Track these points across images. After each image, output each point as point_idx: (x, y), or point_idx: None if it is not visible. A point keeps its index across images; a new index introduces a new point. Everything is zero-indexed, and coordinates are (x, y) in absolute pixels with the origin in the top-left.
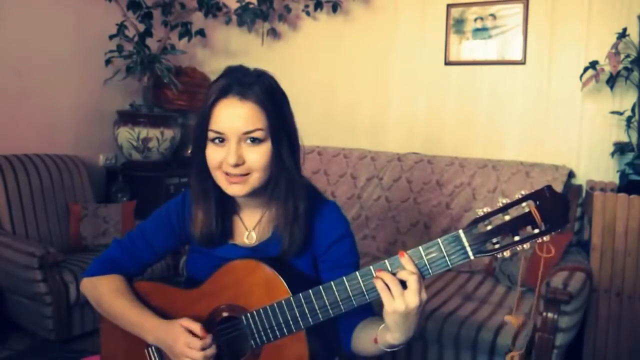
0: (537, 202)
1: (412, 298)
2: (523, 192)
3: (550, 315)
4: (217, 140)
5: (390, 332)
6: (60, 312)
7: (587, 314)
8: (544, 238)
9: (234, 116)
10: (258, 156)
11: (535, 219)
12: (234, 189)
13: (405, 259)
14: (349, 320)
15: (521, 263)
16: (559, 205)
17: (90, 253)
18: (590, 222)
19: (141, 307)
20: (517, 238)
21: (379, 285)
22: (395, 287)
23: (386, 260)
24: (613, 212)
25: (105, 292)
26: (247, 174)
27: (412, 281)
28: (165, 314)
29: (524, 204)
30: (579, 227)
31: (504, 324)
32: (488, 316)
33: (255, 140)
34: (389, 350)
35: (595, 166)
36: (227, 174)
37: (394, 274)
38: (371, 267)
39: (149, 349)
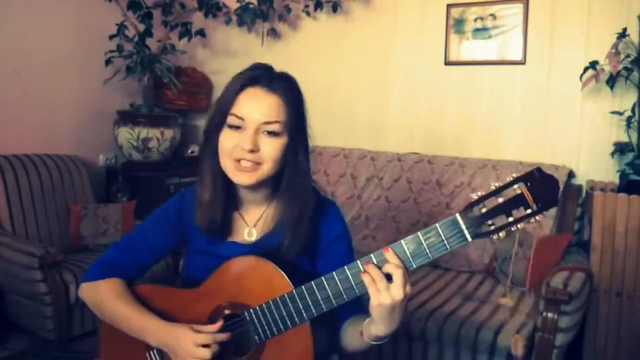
0: (528, 184)
1: (397, 291)
2: (514, 175)
3: (550, 315)
4: (234, 127)
5: (375, 325)
6: (60, 312)
7: (587, 314)
8: (537, 217)
9: (258, 105)
10: (272, 148)
11: (527, 199)
12: (241, 178)
13: (389, 254)
14: (339, 316)
15: (528, 263)
16: (549, 185)
17: (90, 253)
18: (590, 222)
19: (142, 310)
20: (511, 219)
21: (367, 279)
22: (381, 282)
23: (372, 254)
24: (613, 212)
25: (106, 296)
26: (258, 164)
27: (398, 275)
28: (166, 316)
29: (515, 186)
30: (579, 227)
31: (504, 323)
32: (488, 316)
33: (271, 133)
34: (374, 343)
35: (595, 166)
36: (237, 161)
37: (379, 267)
38: (358, 262)
39: (151, 352)
